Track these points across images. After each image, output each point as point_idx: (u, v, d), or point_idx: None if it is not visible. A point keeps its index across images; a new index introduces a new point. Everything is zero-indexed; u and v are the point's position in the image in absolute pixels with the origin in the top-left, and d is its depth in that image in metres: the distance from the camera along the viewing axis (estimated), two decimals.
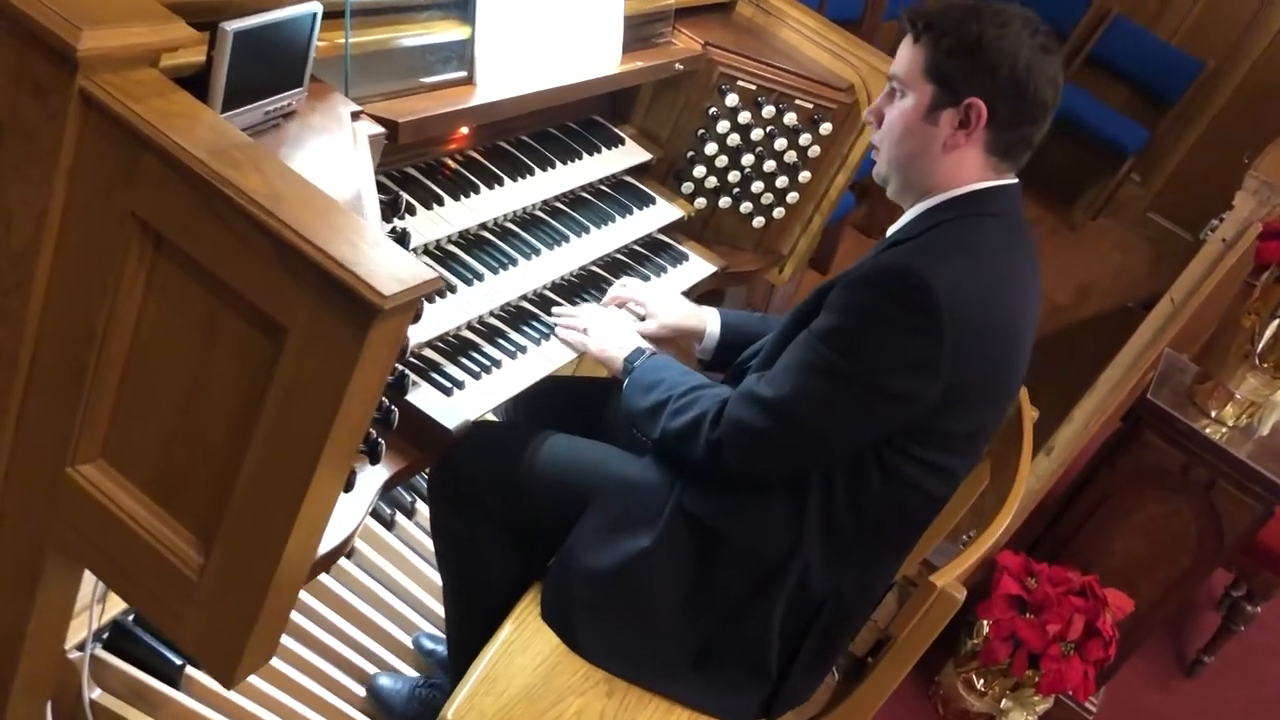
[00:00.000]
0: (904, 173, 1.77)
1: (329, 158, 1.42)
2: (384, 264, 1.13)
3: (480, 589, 1.95)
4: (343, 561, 2.44)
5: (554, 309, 2.02)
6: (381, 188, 1.65)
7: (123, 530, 1.36)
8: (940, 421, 1.69)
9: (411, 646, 2.38)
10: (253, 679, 2.11)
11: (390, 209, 1.53)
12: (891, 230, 1.79)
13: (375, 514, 2.56)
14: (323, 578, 2.38)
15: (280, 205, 1.13)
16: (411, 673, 2.34)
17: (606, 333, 1.97)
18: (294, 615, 2.29)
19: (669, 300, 2.11)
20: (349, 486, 1.47)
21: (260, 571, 1.29)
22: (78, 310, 1.28)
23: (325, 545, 1.50)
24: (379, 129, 1.57)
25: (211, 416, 1.27)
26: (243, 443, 1.25)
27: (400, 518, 2.52)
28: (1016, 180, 1.75)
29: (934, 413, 1.67)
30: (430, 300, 1.83)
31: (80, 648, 1.93)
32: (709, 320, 2.10)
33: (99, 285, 1.26)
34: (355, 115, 1.54)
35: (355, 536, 1.56)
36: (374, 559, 2.47)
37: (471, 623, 1.97)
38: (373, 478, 1.62)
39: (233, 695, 2.06)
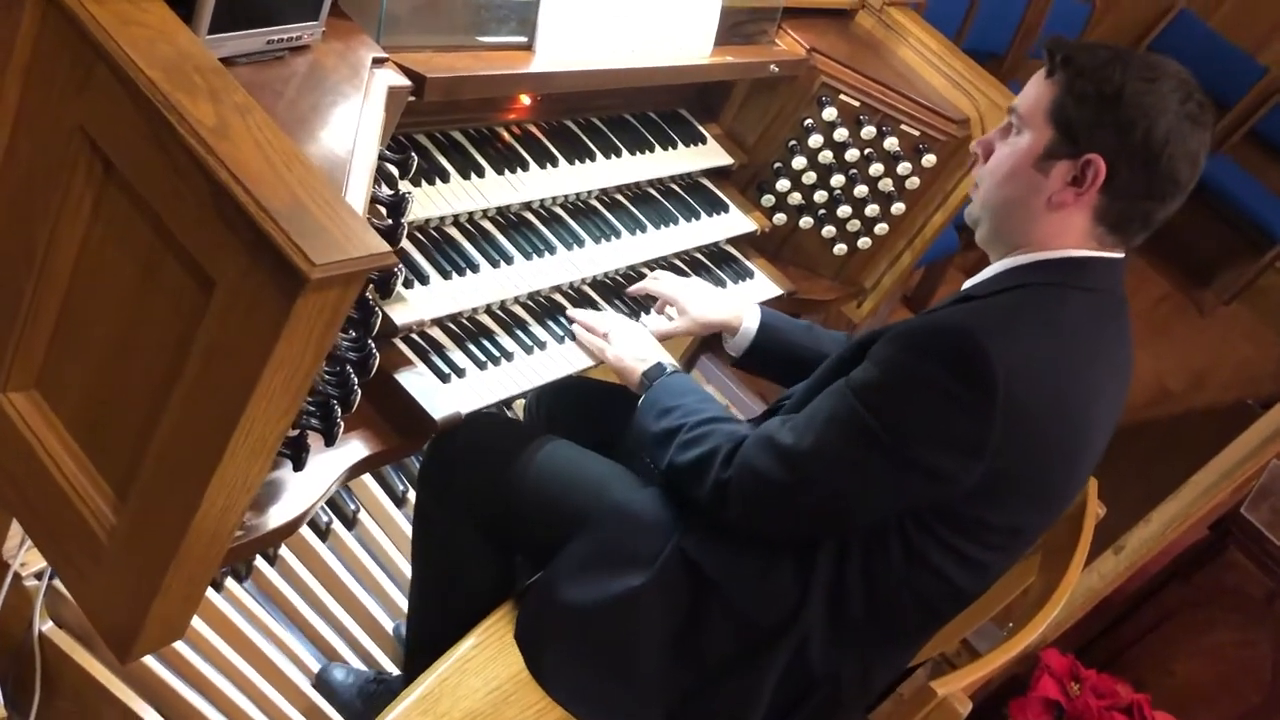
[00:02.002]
0: (998, 219, 1.55)
1: (327, 104, 1.27)
2: (327, 229, 0.98)
3: (450, 592, 1.81)
4: (345, 535, 2.32)
5: (571, 310, 1.85)
6: (398, 147, 1.50)
7: (44, 474, 1.24)
8: (976, 509, 1.48)
9: (391, 634, 2.25)
10: (210, 635, 2.00)
11: (397, 172, 1.38)
12: (969, 283, 1.58)
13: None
14: (320, 549, 2.27)
15: (224, 143, 0.99)
16: (382, 658, 2.21)
17: (627, 342, 1.80)
18: (273, 578, 2.19)
19: (704, 296, 1.93)
20: (299, 466, 1.34)
21: (164, 542, 1.16)
22: (20, 225, 1.17)
23: (271, 523, 1.37)
24: (403, 81, 1.42)
25: (140, 365, 1.14)
26: (164, 400, 1.12)
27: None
28: (1122, 255, 1.52)
29: (970, 498, 1.46)
30: (446, 276, 1.68)
31: (39, 576, 1.85)
32: (746, 316, 1.92)
33: (43, 203, 1.14)
34: (378, 62, 1.40)
35: (306, 518, 1.42)
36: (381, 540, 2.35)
37: (434, 624, 1.83)
38: (336, 459, 1.48)
39: (182, 648, 1.96)
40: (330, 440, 1.32)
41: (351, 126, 1.27)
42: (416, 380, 1.58)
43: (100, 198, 1.12)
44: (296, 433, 1.32)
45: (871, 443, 1.44)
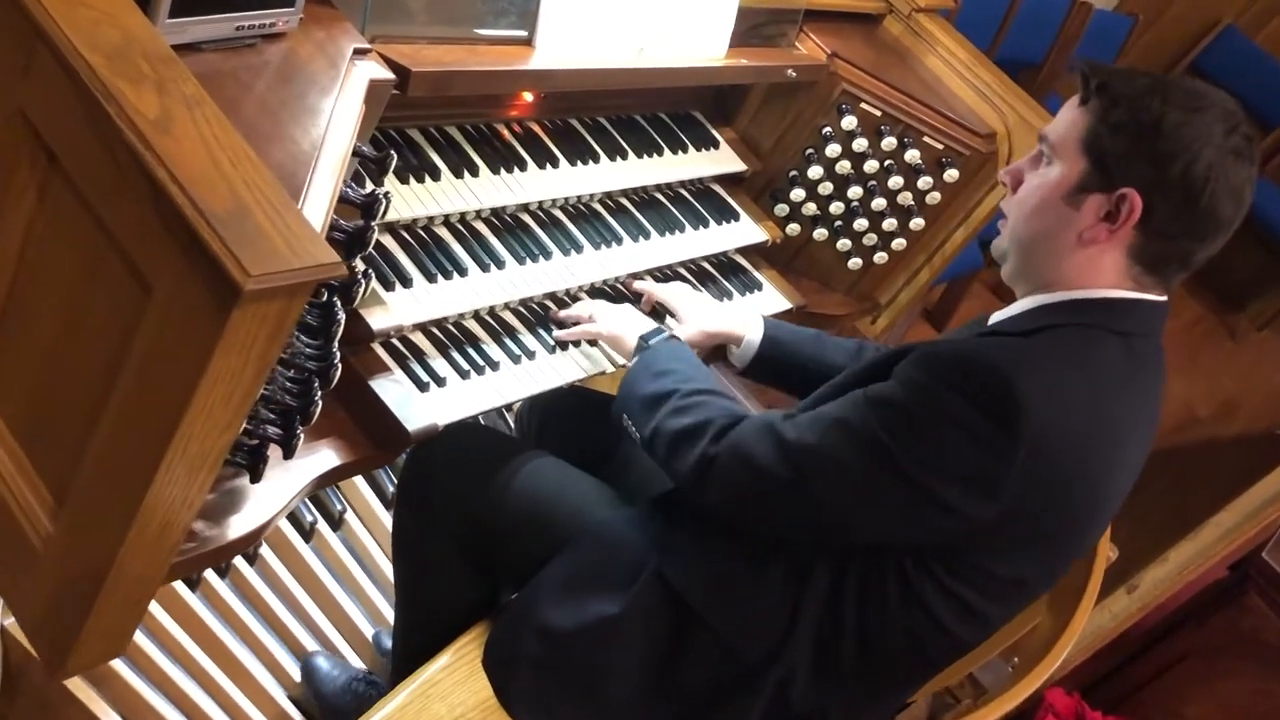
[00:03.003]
0: (1025, 255, 1.45)
1: (298, 96, 1.20)
2: (269, 236, 0.91)
3: (428, 608, 1.74)
4: (329, 536, 2.25)
5: (552, 311, 1.78)
6: (386, 142, 1.43)
7: None
8: (980, 553, 1.39)
9: (371, 641, 2.19)
10: (180, 636, 1.94)
11: (373, 170, 1.30)
12: (995, 318, 1.48)
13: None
14: (302, 550, 2.20)
15: (165, 138, 0.92)
16: (358, 663, 2.15)
17: (616, 312, 1.73)
18: (254, 576, 2.12)
19: (703, 306, 1.85)
20: (255, 477, 1.27)
21: (100, 555, 1.09)
22: None
23: (228, 535, 1.31)
24: (386, 75, 1.35)
25: (82, 367, 1.07)
26: (103, 406, 1.05)
27: None
28: (1164, 300, 1.42)
29: (976, 541, 1.38)
30: (431, 279, 1.60)
31: None
32: (750, 327, 1.83)
33: None
34: (360, 53, 1.32)
35: (265, 531, 1.35)
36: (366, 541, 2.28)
37: (415, 636, 1.76)
38: (302, 469, 1.41)
39: (150, 648, 1.90)
40: (288, 453, 1.25)
41: (323, 121, 1.19)
42: (393, 388, 1.51)
43: (44, 189, 1.05)
44: (255, 442, 1.25)
45: (879, 457, 1.34)
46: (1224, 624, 2.41)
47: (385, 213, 1.30)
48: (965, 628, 1.47)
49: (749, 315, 1.85)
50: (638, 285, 1.92)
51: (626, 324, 1.72)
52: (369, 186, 1.46)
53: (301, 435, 1.25)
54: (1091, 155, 1.36)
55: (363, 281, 1.18)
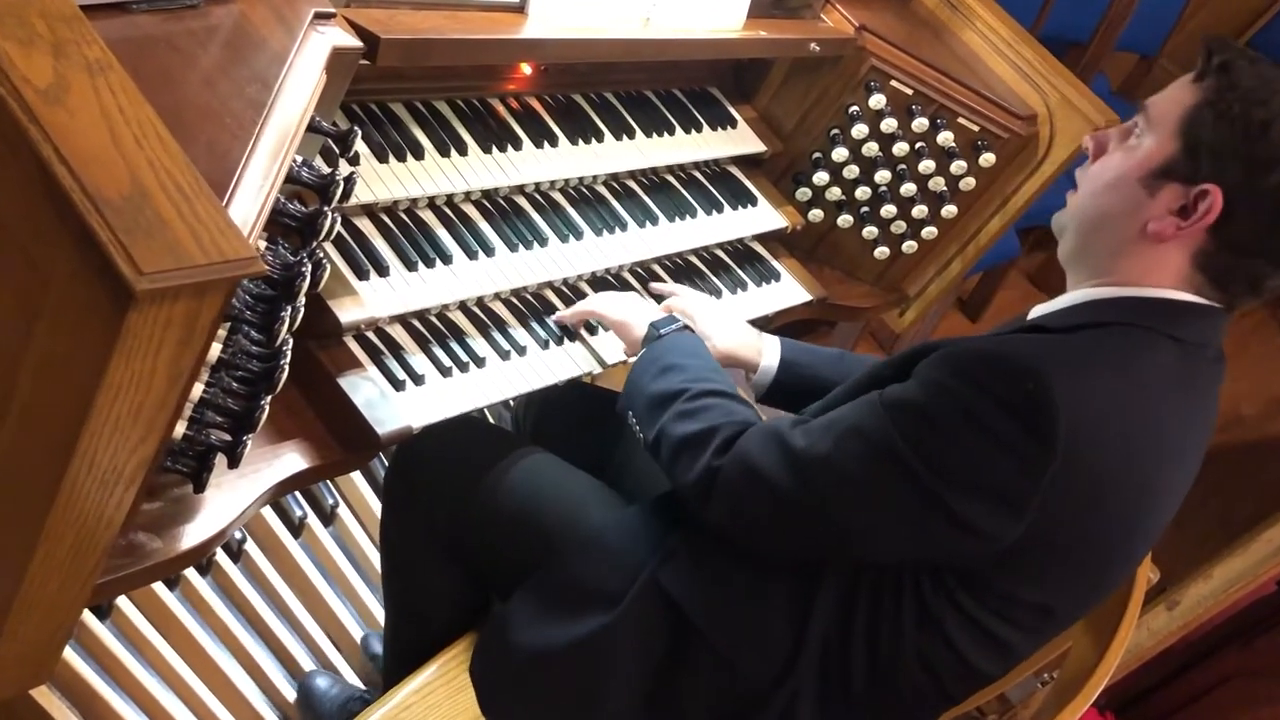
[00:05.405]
0: (1085, 235, 1.32)
1: (242, 64, 1.07)
2: (172, 226, 0.78)
3: (415, 613, 1.63)
4: (322, 535, 2.14)
5: (557, 315, 1.65)
6: (358, 120, 1.30)
7: None
8: (1004, 579, 1.26)
9: (360, 645, 2.08)
10: (155, 639, 1.84)
11: (336, 148, 1.17)
12: (1038, 310, 1.34)
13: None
14: (291, 546, 2.09)
15: (56, 108, 0.79)
16: (356, 681, 2.03)
17: (625, 299, 1.60)
18: (239, 575, 2.01)
19: (723, 321, 1.70)
20: (199, 487, 1.15)
21: (3, 579, 0.97)
22: None
23: (175, 548, 1.19)
24: (353, 42, 1.21)
25: None
26: (4, 413, 0.93)
27: None
28: (1223, 309, 1.27)
29: (1002, 566, 1.24)
30: (411, 267, 1.47)
31: None
32: (767, 351, 1.68)
33: None
34: (323, 17, 1.19)
35: (217, 544, 1.23)
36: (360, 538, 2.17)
37: (404, 642, 1.65)
38: (262, 475, 1.29)
39: (122, 653, 1.79)
40: (233, 461, 1.13)
41: (270, 93, 1.06)
42: (364, 386, 1.38)
43: None
44: (199, 449, 1.13)
45: (897, 469, 1.21)
46: (1271, 646, 2.25)
47: (346, 195, 1.17)
48: (986, 658, 1.33)
49: (767, 338, 1.70)
50: (655, 286, 1.79)
51: (636, 311, 1.59)
52: (345, 167, 1.34)
53: (248, 442, 1.13)
54: (1187, 139, 1.22)
55: (306, 273, 1.05)
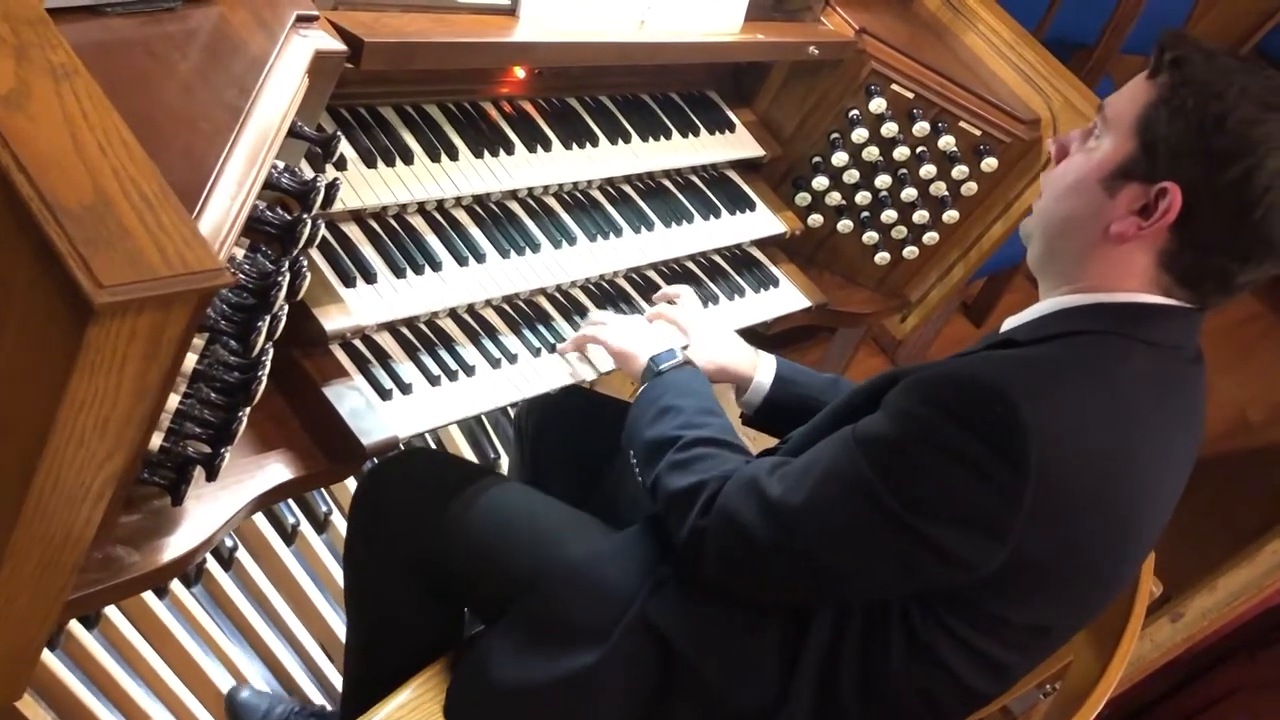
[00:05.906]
0: (1050, 240, 1.29)
1: (220, 69, 1.04)
2: (134, 236, 0.75)
3: (380, 644, 1.58)
4: (315, 543, 2.12)
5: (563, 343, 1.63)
6: (344, 123, 1.27)
7: None
8: (994, 604, 1.23)
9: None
10: (142, 647, 1.82)
11: (319, 154, 1.15)
12: (1010, 322, 1.31)
13: None
14: (283, 554, 2.06)
15: (16, 114, 0.76)
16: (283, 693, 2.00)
17: (629, 327, 1.57)
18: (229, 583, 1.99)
19: (717, 334, 1.67)
20: (177, 499, 1.12)
21: None
22: None
23: (152, 562, 1.17)
24: (336, 46, 1.19)
25: None
26: None
27: None
28: (1198, 308, 1.24)
29: (988, 591, 1.21)
30: (399, 274, 1.45)
31: None
32: (761, 369, 1.65)
33: None
34: (305, 20, 1.16)
35: (196, 557, 1.21)
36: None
37: (363, 676, 1.61)
38: (244, 487, 1.26)
39: (107, 661, 1.77)
40: (210, 474, 1.11)
41: (248, 98, 1.03)
42: (350, 395, 1.36)
43: None
44: (176, 462, 1.10)
45: (873, 508, 1.18)
46: (1277, 658, 2.22)
47: (328, 202, 1.15)
48: (982, 680, 1.30)
49: (762, 355, 1.67)
50: (659, 296, 1.76)
51: (638, 340, 1.55)
52: (330, 173, 1.32)
53: (226, 455, 1.10)
54: (1143, 137, 1.19)
55: (283, 282, 1.02)
